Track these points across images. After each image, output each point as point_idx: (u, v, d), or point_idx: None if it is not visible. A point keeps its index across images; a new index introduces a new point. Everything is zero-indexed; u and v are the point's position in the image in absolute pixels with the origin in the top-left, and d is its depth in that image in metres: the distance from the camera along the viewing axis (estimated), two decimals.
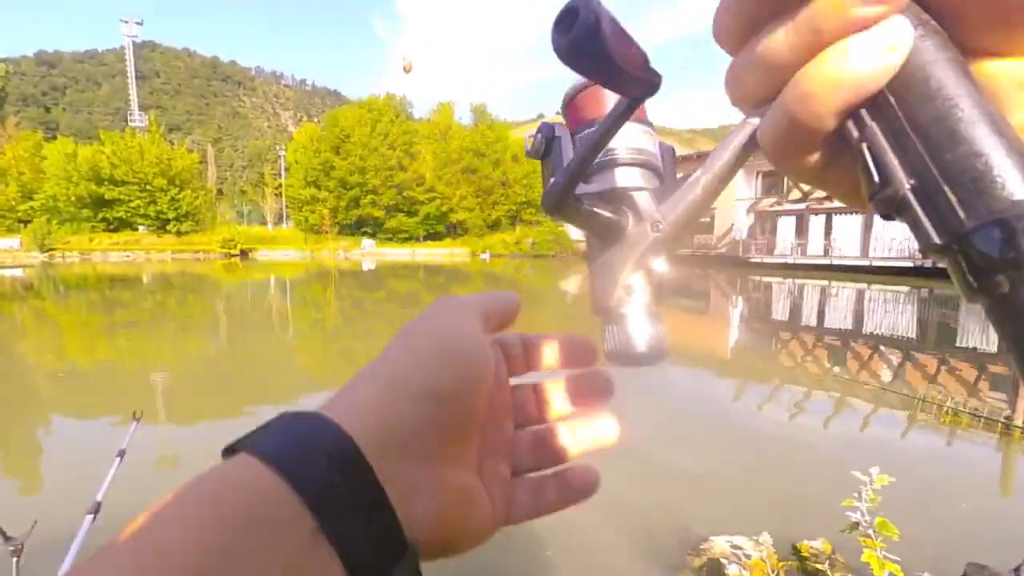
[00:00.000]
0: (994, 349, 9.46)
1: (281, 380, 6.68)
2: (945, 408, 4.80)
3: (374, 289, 20.33)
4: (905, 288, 18.89)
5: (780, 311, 15.94)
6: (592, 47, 0.17)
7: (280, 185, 62.94)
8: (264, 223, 67.13)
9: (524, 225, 50.06)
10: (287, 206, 57.55)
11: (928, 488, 3.48)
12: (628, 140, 0.26)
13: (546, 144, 0.28)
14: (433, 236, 52.40)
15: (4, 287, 19.29)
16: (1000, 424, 4.28)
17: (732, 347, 10.81)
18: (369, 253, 46.78)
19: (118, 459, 1.61)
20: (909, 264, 21.04)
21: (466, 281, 25.15)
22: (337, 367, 7.63)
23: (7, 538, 1.24)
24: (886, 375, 8.43)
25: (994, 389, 7.00)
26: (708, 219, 31.64)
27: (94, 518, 1.37)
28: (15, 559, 1.24)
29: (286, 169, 57.87)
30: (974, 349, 10.01)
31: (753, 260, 26.48)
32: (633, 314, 0.27)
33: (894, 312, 15.50)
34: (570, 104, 0.28)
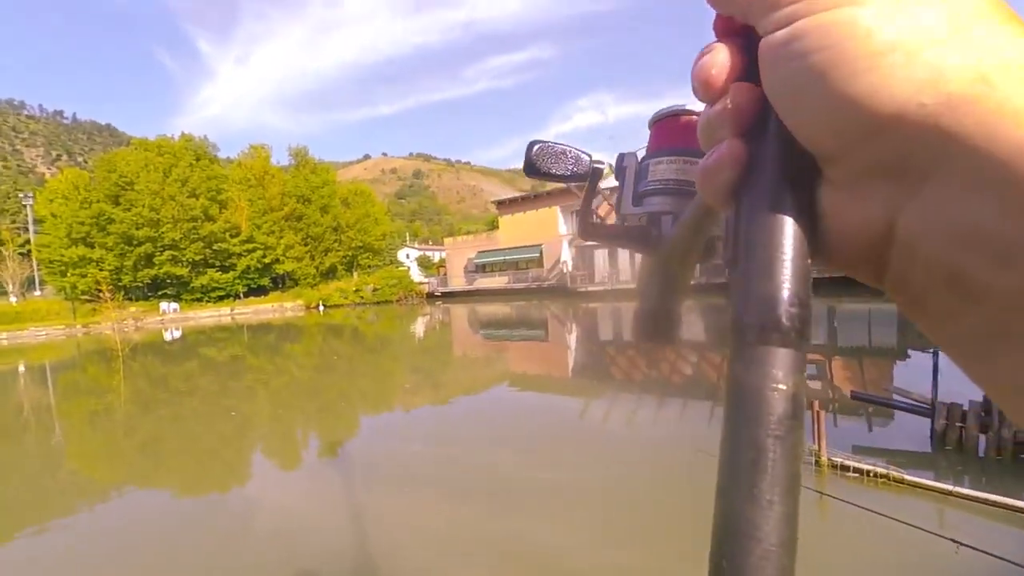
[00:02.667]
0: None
1: (47, 495, 5.52)
2: None
3: (182, 360, 17.35)
4: (689, 301, 23.60)
5: (606, 331, 18.55)
6: (534, 171, 0.34)
7: (28, 243, 49.39)
8: (4, 294, 50.29)
9: (362, 271, 48.08)
10: (40, 270, 45.35)
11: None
12: (664, 174, 0.31)
13: (616, 171, 0.34)
14: (257, 291, 46.81)
15: None
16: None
17: (573, 368, 12.27)
18: (173, 318, 39.35)
19: None
20: (691, 283, 26.56)
21: (300, 337, 23.13)
22: (135, 462, 6.55)
23: None
24: (687, 369, 10.64)
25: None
26: (537, 255, 35.11)
27: None
28: None
29: (37, 223, 45.68)
30: None
31: (579, 289, 30.14)
32: (643, 311, 0.33)
33: (688, 321, 19.37)
34: (653, 126, 0.33)
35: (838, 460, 4.33)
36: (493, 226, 47.36)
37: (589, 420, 7.60)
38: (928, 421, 4.93)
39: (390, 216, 63.34)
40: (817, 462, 4.37)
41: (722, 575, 0.15)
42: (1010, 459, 4.37)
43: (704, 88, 0.20)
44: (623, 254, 29.38)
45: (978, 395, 4.83)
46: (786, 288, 0.17)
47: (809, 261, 0.18)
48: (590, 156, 0.35)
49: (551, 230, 34.47)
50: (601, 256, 30.48)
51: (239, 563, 3.72)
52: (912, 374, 9.11)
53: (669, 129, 0.32)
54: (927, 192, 0.15)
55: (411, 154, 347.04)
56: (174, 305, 41.34)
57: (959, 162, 0.14)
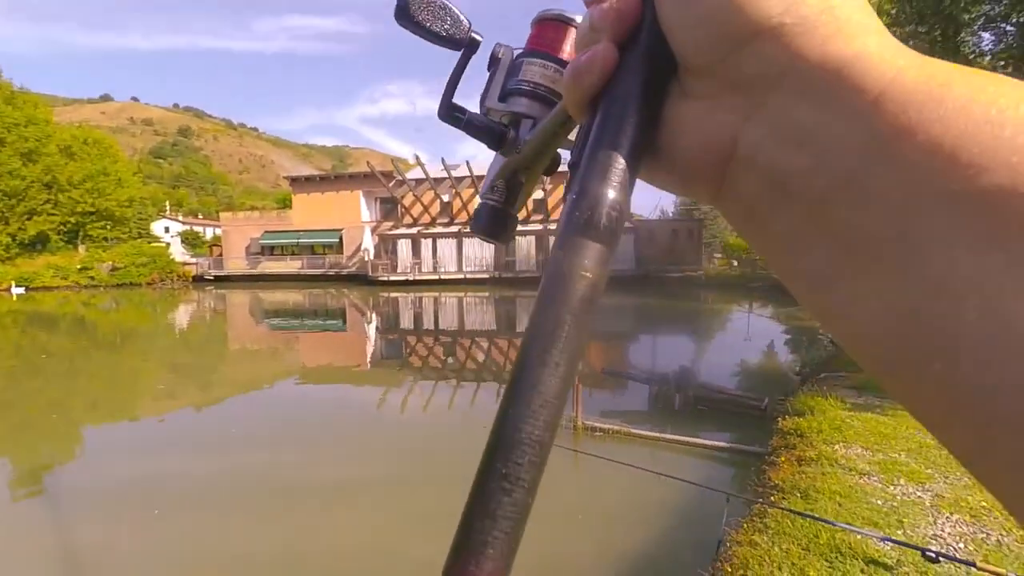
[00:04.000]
0: None
1: None
2: None
3: None
4: (486, 293, 25.57)
5: (406, 321, 18.69)
6: (406, 18, 0.30)
7: None
8: None
9: (94, 244, 37.29)
10: None
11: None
12: (536, 77, 0.31)
13: (490, 62, 0.33)
14: None
15: None
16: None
17: (371, 357, 12.09)
18: None
19: None
20: (487, 276, 28.62)
21: None
22: None
23: None
24: (481, 356, 11.60)
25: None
26: (336, 240, 32.92)
27: None
28: None
29: None
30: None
31: (381, 278, 29.44)
32: (484, 204, 0.33)
33: (482, 311, 20.90)
34: (535, 25, 0.32)
35: (589, 423, 5.41)
36: (285, 204, 42.26)
37: (386, 410, 7.65)
38: (647, 387, 6.53)
39: (140, 178, 50.24)
40: (575, 427, 5.38)
41: (506, 416, 0.18)
42: (693, 410, 6.13)
43: None
44: (426, 244, 29.86)
45: (675, 366, 6.62)
46: (612, 193, 0.19)
47: (634, 173, 0.20)
48: (470, 24, 0.32)
49: (353, 215, 32.71)
50: (405, 245, 30.37)
51: None
52: (638, 353, 11.79)
53: (552, 34, 0.32)
54: (769, 103, 0.17)
55: (176, 105, 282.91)
56: None
57: (798, 74, 0.16)
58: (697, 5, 0.18)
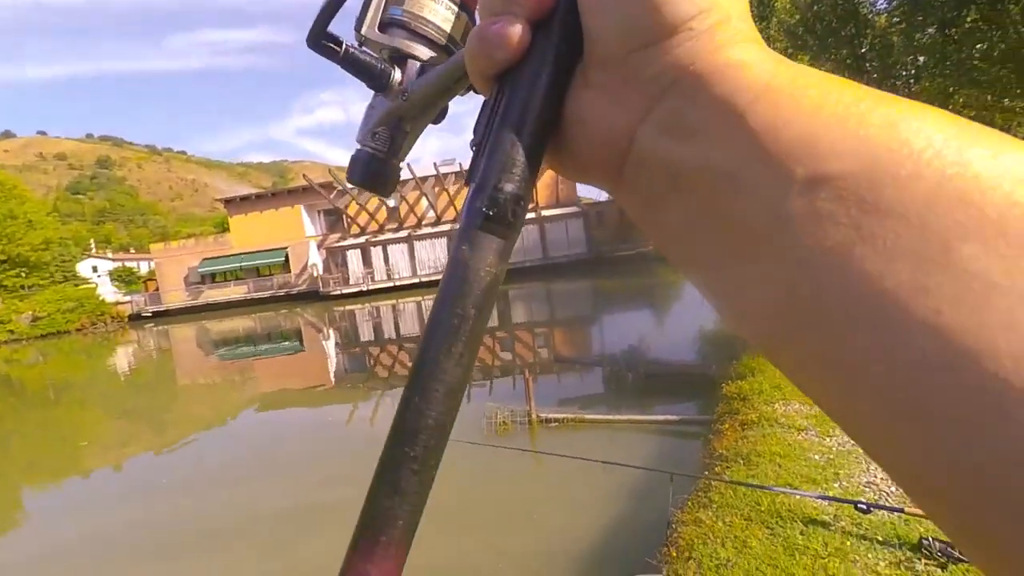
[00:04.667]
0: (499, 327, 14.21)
1: None
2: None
3: None
4: None
5: (366, 333, 18.15)
6: None
7: None
8: None
9: (9, 295, 34.16)
10: None
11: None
12: (425, 11, 0.28)
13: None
14: None
15: None
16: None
17: (335, 374, 11.64)
18: None
19: None
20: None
21: None
22: None
23: None
24: None
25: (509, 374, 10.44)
26: (282, 259, 31.57)
27: None
28: None
29: None
30: (488, 327, 14.80)
31: (333, 293, 28.49)
32: (362, 152, 0.29)
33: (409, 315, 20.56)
34: None
35: (544, 415, 5.33)
36: (225, 228, 40.09)
37: (357, 425, 7.34)
38: (601, 369, 6.53)
39: (56, 217, 46.52)
40: (530, 421, 5.29)
41: (412, 403, 0.18)
42: (646, 387, 6.17)
43: None
44: (376, 253, 29.04)
45: (625, 345, 6.66)
46: (516, 186, 0.19)
47: (537, 165, 0.20)
48: None
49: (296, 231, 31.43)
50: (355, 256, 29.47)
51: None
52: (593, 336, 11.86)
53: None
54: (663, 104, 0.18)
55: (90, 136, 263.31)
56: None
57: (691, 79, 0.18)
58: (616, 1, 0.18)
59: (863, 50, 15.23)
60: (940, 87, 9.75)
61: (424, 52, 0.28)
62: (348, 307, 25.34)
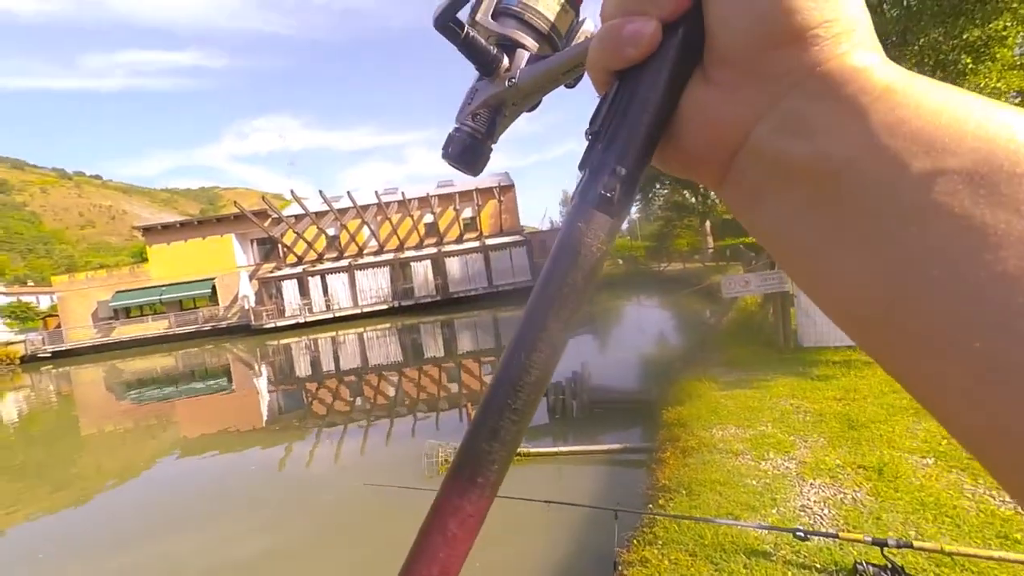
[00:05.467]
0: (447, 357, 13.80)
1: None
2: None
3: None
4: (387, 324, 24.41)
5: (303, 368, 17.07)
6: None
7: None
8: None
9: None
10: None
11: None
12: (539, 4, 0.30)
13: None
14: None
15: None
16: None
17: (267, 414, 10.75)
18: None
19: None
20: (386, 307, 27.36)
21: None
22: None
23: None
24: (391, 391, 10.85)
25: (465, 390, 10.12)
26: (209, 291, 29.43)
27: None
28: None
29: None
30: (434, 357, 14.37)
31: (267, 326, 26.78)
32: (460, 130, 0.31)
33: (385, 344, 19.83)
34: None
35: None
36: (141, 258, 36.90)
37: (292, 466, 6.72)
38: (545, 400, 6.43)
39: None
40: None
41: (518, 359, 0.20)
42: (590, 415, 6.13)
43: None
44: (314, 283, 27.77)
45: (569, 372, 6.63)
46: (630, 174, 0.21)
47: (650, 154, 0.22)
48: None
49: (225, 261, 29.50)
50: (291, 287, 28.00)
51: None
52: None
53: None
54: (786, 101, 0.19)
55: None
56: None
57: (817, 79, 0.19)
58: (752, 3, 0.19)
59: None
60: None
61: (532, 42, 0.30)
62: (283, 340, 23.85)
